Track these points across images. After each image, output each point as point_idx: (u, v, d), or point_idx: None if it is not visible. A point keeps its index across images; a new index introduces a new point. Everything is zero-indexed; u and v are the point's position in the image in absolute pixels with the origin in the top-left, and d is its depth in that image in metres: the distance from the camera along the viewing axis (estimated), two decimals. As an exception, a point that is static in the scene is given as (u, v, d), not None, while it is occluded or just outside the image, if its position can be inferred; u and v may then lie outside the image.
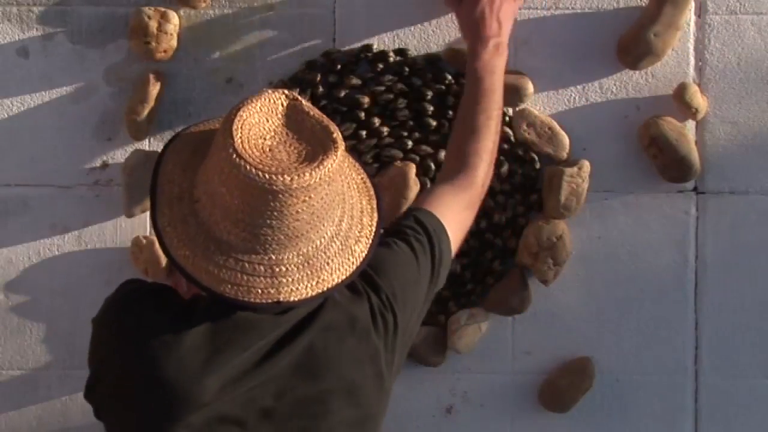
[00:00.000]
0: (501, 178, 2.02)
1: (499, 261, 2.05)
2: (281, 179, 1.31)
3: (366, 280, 1.50)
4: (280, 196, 1.32)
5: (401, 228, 1.59)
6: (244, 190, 1.33)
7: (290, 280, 1.38)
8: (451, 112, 2.00)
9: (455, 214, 1.67)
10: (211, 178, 1.36)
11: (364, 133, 2.02)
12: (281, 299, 1.38)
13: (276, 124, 1.37)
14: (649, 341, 2.06)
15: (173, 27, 1.98)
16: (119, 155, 2.03)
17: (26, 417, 2.08)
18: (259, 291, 1.37)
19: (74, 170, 2.04)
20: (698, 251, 2.05)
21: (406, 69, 2.01)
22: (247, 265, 1.36)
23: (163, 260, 1.95)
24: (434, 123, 2.01)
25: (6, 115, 2.03)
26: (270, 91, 1.39)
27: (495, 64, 1.83)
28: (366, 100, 2.01)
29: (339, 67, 2.01)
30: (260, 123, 1.36)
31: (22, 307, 2.07)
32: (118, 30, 2.01)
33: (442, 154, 2.00)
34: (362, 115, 2.01)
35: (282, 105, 1.38)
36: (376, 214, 1.48)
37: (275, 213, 1.33)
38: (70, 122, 2.03)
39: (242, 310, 1.40)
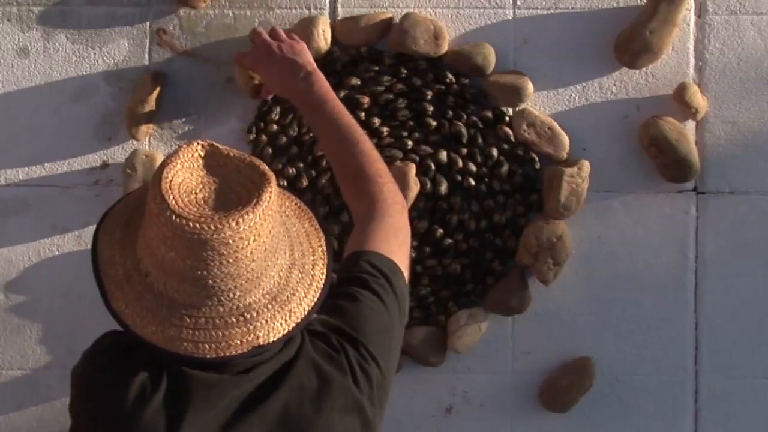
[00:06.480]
0: (501, 178, 2.02)
1: (499, 261, 2.04)
2: (227, 224, 1.30)
3: (342, 335, 1.49)
4: (231, 241, 1.31)
5: (358, 276, 1.56)
6: (192, 247, 1.31)
7: (263, 321, 1.37)
8: (451, 112, 2.00)
9: (392, 242, 1.64)
10: (156, 248, 1.34)
11: (364, 133, 2.02)
12: (261, 343, 1.36)
13: (201, 175, 1.36)
14: (649, 341, 2.06)
15: None
16: (119, 155, 2.03)
17: (26, 417, 2.08)
18: (238, 342, 1.36)
19: (74, 170, 2.04)
20: (698, 251, 2.05)
21: (404, 70, 2.01)
22: (218, 320, 1.35)
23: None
24: (434, 123, 2.01)
25: (6, 115, 2.03)
26: (184, 146, 1.37)
27: (319, 92, 1.80)
28: (366, 100, 2.01)
29: (339, 67, 2.01)
30: (186, 180, 1.35)
31: (22, 307, 2.06)
32: (118, 30, 2.01)
33: (442, 154, 2.00)
34: (362, 115, 2.01)
35: (200, 154, 1.37)
36: (321, 234, 1.47)
37: (230, 260, 1.32)
38: (70, 122, 2.03)
39: (206, 369, 1.38)
